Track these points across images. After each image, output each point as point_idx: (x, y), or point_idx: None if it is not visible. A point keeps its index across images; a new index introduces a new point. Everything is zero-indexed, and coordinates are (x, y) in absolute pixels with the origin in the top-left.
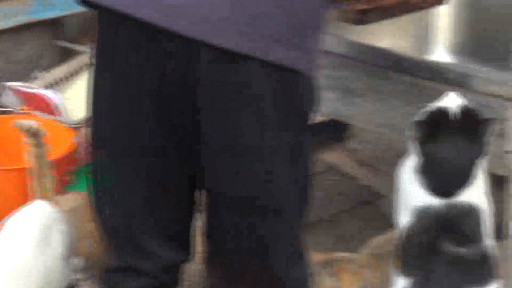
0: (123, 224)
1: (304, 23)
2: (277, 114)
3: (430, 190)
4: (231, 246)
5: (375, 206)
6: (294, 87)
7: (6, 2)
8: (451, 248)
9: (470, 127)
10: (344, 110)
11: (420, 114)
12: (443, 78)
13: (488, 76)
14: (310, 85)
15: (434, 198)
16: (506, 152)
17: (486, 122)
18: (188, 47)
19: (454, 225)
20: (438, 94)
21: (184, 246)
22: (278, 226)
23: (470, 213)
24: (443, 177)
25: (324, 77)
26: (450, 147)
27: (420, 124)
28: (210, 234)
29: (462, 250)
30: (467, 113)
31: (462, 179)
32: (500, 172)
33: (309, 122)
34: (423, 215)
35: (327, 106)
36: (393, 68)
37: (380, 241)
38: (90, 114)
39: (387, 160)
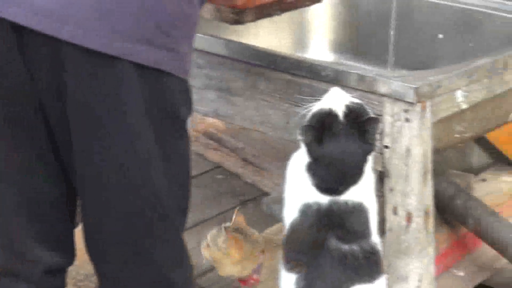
0: (2, 229)
1: (172, 23)
2: (150, 117)
3: (318, 188)
4: (112, 252)
5: (260, 203)
6: (165, 89)
7: None
8: (337, 244)
9: (356, 126)
10: (224, 110)
11: (308, 117)
12: (319, 75)
13: (363, 73)
14: (183, 87)
15: (322, 195)
16: (385, 147)
17: (371, 121)
18: (57, 49)
19: (341, 222)
20: (315, 92)
21: (67, 250)
22: (160, 230)
23: (356, 210)
24: (331, 176)
25: (203, 77)
26: (338, 146)
27: (308, 128)
28: (91, 242)
29: (349, 247)
30: (353, 113)
31: (350, 177)
32: (378, 167)
33: (185, 124)
34: (309, 212)
35: (207, 106)
36: (270, 66)
37: (274, 229)
38: None
39: (270, 157)
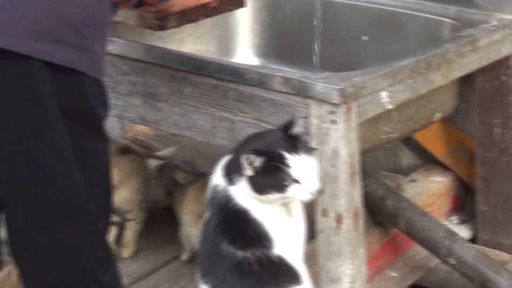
0: None
1: (84, 23)
2: (66, 117)
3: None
4: (38, 256)
5: None
6: (79, 88)
7: None
8: (233, 251)
9: None
10: (150, 115)
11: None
12: (244, 79)
13: (288, 75)
14: (98, 87)
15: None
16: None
17: None
18: None
19: (233, 226)
20: (241, 95)
21: None
22: (83, 233)
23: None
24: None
25: (127, 83)
26: None
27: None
28: (14, 245)
29: (244, 253)
30: None
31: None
32: None
33: (102, 126)
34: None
35: (133, 112)
36: (195, 71)
37: None
38: None
39: (200, 163)
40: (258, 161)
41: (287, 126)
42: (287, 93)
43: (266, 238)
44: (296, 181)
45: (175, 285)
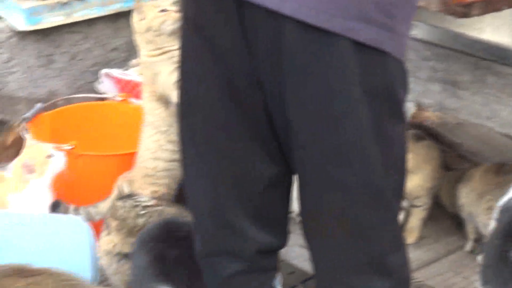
0: (216, 207)
1: (393, 3)
2: (368, 96)
3: None
4: (329, 231)
5: None
6: (383, 69)
7: None
8: None
9: None
10: (449, 103)
11: None
12: None
13: None
14: (400, 69)
15: None
16: None
17: None
18: (278, 25)
19: None
20: None
21: (279, 231)
22: (377, 212)
23: None
24: None
25: (428, 69)
26: None
27: None
28: (309, 221)
29: None
30: None
31: None
32: None
33: (402, 107)
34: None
35: (432, 99)
36: (499, 61)
37: None
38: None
39: (486, 155)
40: None
41: None
42: None
43: None
44: None
45: (458, 275)
